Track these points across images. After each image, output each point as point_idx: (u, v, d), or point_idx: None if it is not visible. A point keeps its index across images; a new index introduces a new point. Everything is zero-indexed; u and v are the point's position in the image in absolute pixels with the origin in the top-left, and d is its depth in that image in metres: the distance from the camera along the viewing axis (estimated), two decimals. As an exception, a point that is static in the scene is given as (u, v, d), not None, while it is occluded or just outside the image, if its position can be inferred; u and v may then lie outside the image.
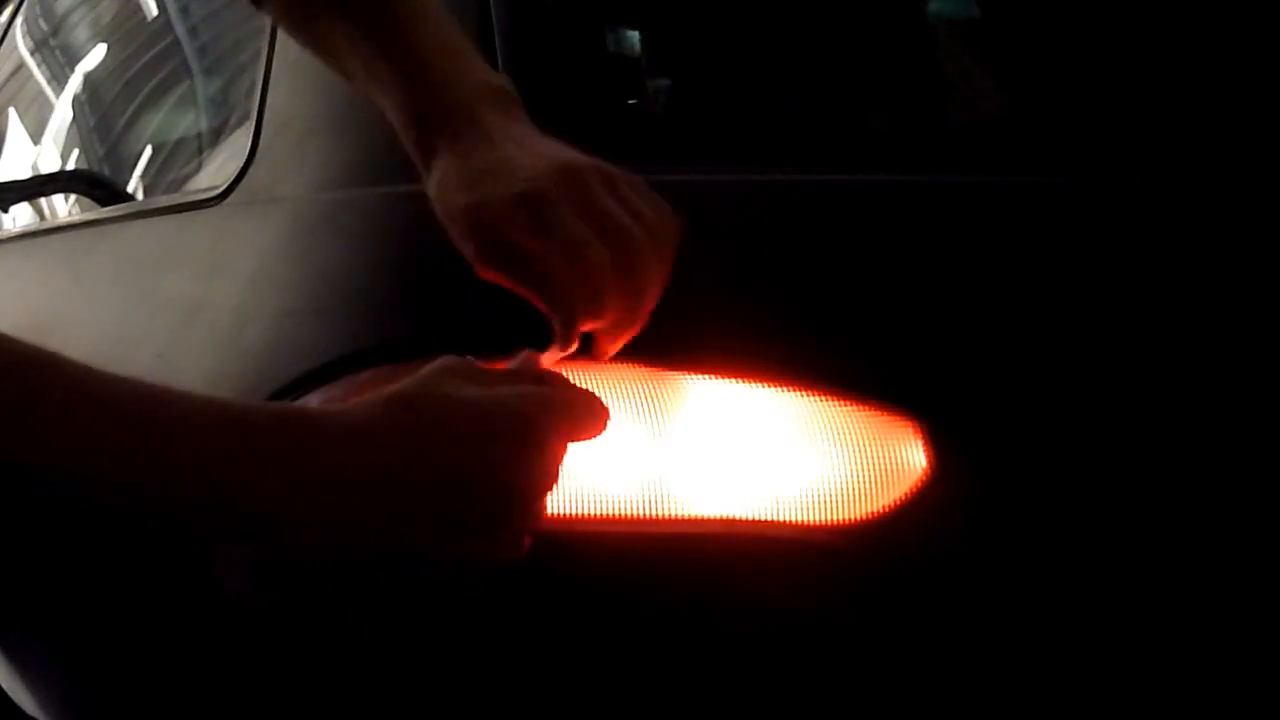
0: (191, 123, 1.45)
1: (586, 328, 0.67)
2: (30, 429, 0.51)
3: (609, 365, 0.75)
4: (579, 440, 0.62)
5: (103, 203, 1.36)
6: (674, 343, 0.76)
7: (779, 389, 0.75)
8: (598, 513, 0.73)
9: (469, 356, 0.63)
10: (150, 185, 1.44)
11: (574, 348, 0.67)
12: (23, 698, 1.19)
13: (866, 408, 0.75)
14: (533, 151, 0.68)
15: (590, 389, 0.65)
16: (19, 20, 1.80)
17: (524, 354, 0.66)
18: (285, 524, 0.56)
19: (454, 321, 0.81)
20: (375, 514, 0.57)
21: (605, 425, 0.64)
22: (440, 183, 0.69)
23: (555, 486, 0.61)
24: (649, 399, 0.75)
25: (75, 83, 1.67)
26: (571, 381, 0.64)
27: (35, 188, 1.59)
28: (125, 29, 1.64)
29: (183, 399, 0.56)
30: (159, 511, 0.55)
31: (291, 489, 0.56)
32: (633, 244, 0.66)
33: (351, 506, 0.57)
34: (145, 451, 0.53)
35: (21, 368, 0.52)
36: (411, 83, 0.71)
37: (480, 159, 0.68)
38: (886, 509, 0.73)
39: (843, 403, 0.75)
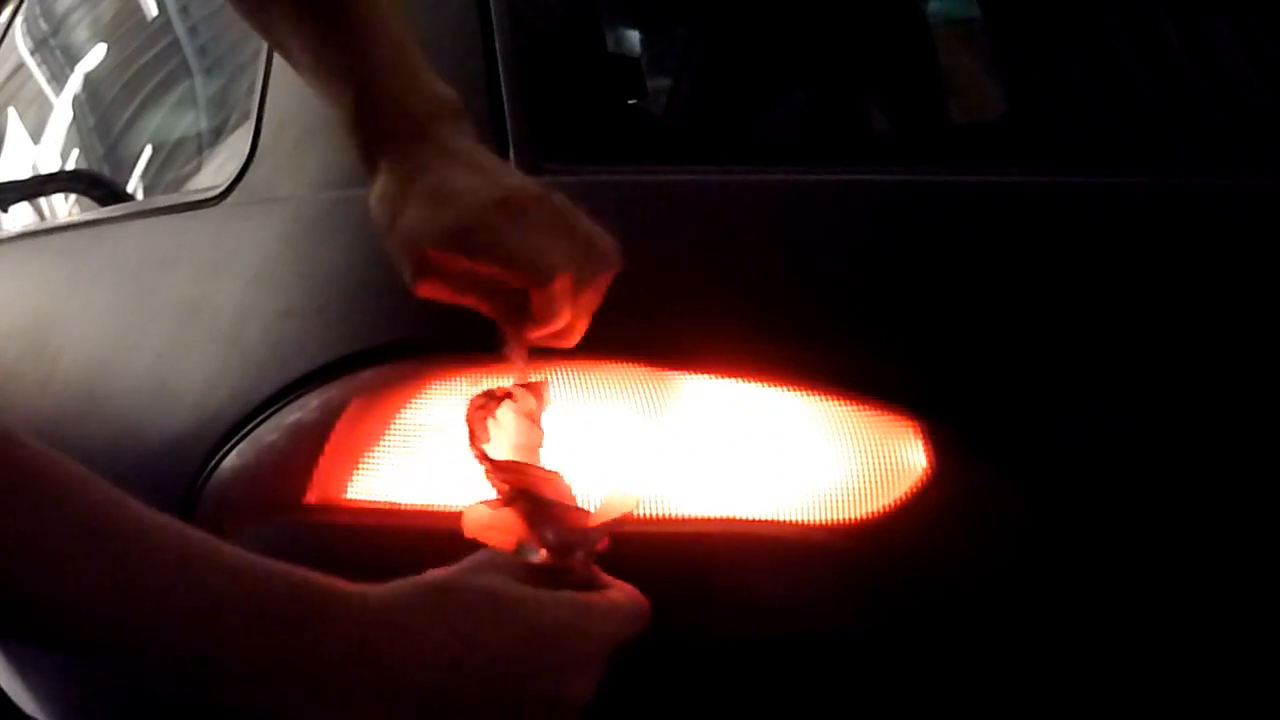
0: (191, 123, 1.45)
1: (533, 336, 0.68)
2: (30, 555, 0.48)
3: (609, 365, 0.75)
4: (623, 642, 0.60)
5: (103, 203, 1.36)
6: (674, 343, 0.76)
7: (779, 388, 0.75)
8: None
9: (506, 553, 0.60)
10: (150, 185, 1.44)
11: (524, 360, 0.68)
12: (23, 698, 1.19)
13: (866, 408, 0.75)
14: (478, 176, 0.68)
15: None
16: (19, 20, 1.80)
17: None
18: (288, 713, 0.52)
19: (453, 321, 0.81)
20: (407, 711, 0.53)
21: (647, 621, 0.61)
22: (382, 197, 0.69)
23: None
24: (649, 399, 0.75)
25: (75, 83, 1.67)
26: (609, 581, 0.62)
27: (35, 188, 1.59)
28: (125, 29, 1.63)
29: (183, 536, 0.51)
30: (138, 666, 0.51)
31: (302, 678, 0.51)
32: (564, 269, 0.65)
33: (376, 702, 0.52)
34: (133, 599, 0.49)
35: (30, 488, 0.48)
36: (363, 84, 0.69)
37: (425, 182, 0.67)
38: (886, 509, 0.73)
39: (843, 402, 0.75)
